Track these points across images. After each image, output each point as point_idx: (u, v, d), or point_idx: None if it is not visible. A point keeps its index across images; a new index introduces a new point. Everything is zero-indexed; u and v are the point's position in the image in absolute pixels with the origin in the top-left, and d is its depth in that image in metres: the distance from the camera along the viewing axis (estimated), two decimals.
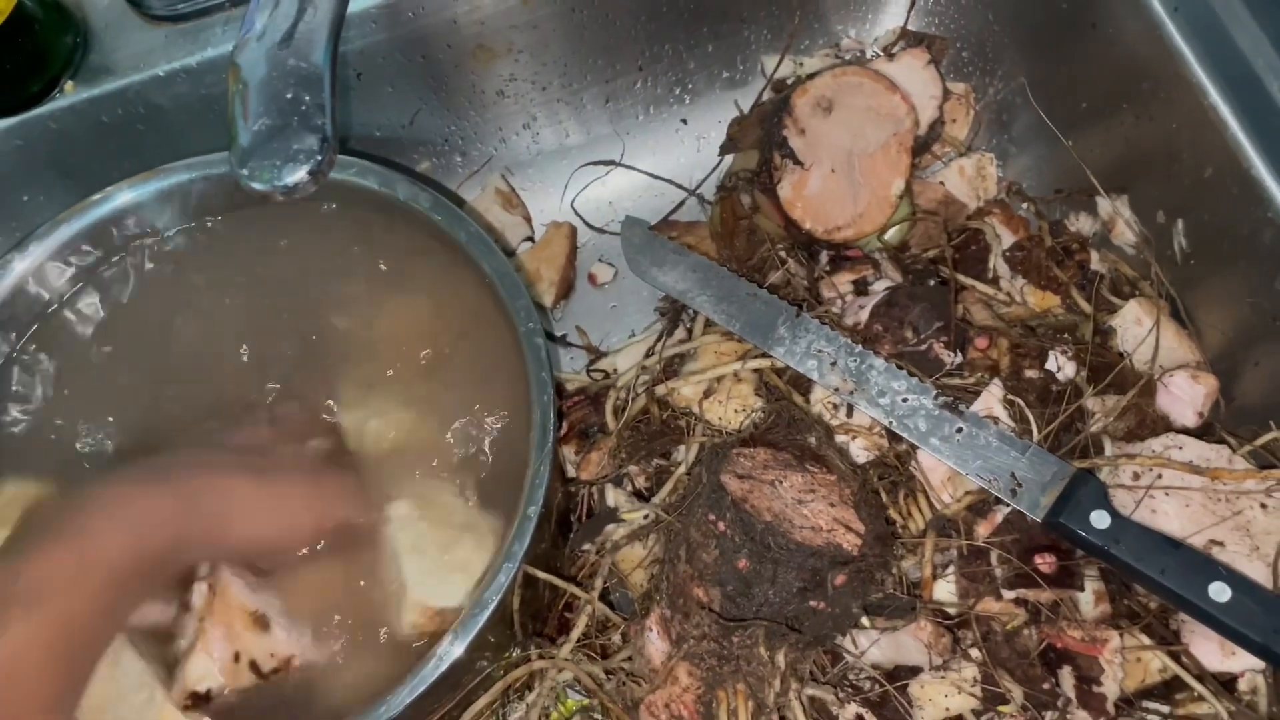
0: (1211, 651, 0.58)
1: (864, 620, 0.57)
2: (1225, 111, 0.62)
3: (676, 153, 0.85)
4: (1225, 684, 0.58)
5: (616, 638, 0.61)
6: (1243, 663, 0.58)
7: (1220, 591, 0.53)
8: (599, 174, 0.85)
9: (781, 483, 0.56)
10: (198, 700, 0.52)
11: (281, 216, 0.66)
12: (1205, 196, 0.65)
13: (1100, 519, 0.55)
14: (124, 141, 0.71)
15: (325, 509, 0.57)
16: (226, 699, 0.53)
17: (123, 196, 0.63)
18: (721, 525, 0.54)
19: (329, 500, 0.58)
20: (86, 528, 0.46)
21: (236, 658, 0.53)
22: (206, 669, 0.52)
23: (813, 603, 0.54)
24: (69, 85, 0.68)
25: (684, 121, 0.85)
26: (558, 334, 0.81)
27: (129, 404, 0.62)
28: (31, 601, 0.43)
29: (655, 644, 0.56)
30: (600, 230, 0.84)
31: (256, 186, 0.48)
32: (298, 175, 0.47)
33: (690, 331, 0.70)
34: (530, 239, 0.84)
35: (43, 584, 0.43)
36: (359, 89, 0.74)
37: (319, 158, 0.47)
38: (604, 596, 0.63)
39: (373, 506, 0.58)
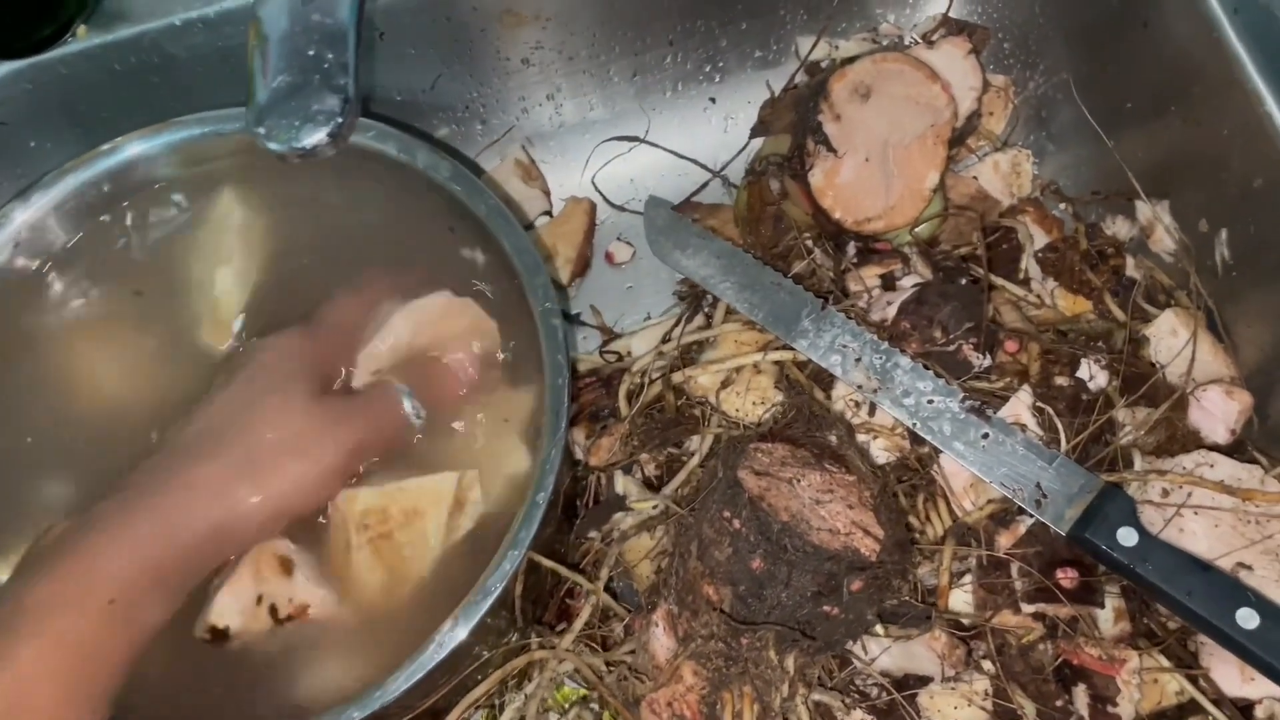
0: (1231, 676, 0.56)
1: (877, 628, 0.55)
2: None
3: (703, 132, 0.83)
4: (1243, 710, 0.57)
5: (619, 629, 0.60)
6: (1261, 689, 0.56)
7: (1249, 618, 0.51)
8: (622, 150, 0.82)
9: (799, 481, 0.55)
10: (216, 635, 0.53)
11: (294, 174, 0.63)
12: (1253, 207, 0.63)
13: (1128, 536, 0.53)
14: (136, 91, 0.68)
15: (340, 450, 0.54)
16: (241, 638, 0.54)
17: (131, 148, 0.61)
18: (737, 523, 0.52)
19: (348, 433, 0.54)
20: (86, 547, 0.46)
21: (259, 600, 0.54)
22: (229, 607, 0.53)
23: (826, 608, 0.52)
24: (82, 30, 0.66)
25: (712, 100, 0.83)
26: (572, 312, 0.79)
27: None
28: (37, 626, 0.42)
29: (661, 640, 0.54)
30: (620, 208, 0.82)
31: (273, 147, 0.45)
32: (316, 137, 0.45)
33: (710, 318, 0.68)
34: (548, 213, 0.82)
35: (46, 607, 0.43)
36: (381, 49, 0.71)
37: (339, 119, 0.45)
38: (607, 586, 0.61)
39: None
